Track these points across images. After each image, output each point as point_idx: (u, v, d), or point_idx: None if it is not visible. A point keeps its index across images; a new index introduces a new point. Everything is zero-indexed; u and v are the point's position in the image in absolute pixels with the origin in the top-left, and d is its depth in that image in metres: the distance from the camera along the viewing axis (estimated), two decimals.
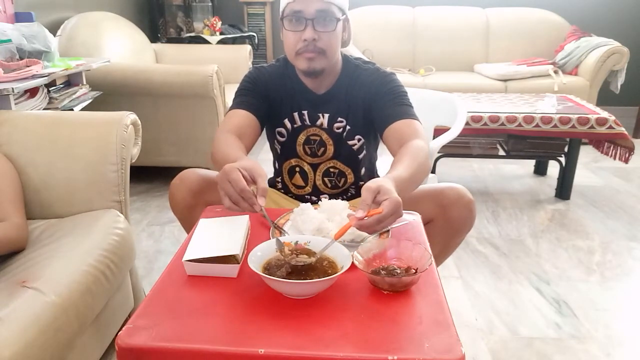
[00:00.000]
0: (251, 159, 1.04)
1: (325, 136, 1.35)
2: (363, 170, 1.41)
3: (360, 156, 1.37)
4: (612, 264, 2.02)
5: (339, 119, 1.33)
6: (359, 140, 1.35)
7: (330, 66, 1.27)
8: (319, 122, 1.33)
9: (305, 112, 1.33)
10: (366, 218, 0.87)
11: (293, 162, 1.40)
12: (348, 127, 1.33)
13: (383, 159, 1.63)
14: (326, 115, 1.33)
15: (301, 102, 1.33)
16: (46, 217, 1.40)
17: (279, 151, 1.41)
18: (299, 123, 1.34)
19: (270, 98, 1.33)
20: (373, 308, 0.82)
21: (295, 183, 1.42)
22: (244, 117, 1.28)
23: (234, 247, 0.92)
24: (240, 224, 1.04)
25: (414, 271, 0.88)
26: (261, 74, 1.34)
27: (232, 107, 1.31)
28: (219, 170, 1.20)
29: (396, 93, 1.28)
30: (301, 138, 1.36)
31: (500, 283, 1.86)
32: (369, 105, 1.30)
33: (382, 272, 0.88)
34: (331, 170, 1.39)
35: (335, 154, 1.37)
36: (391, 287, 0.86)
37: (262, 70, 1.35)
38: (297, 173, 1.41)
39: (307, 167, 1.39)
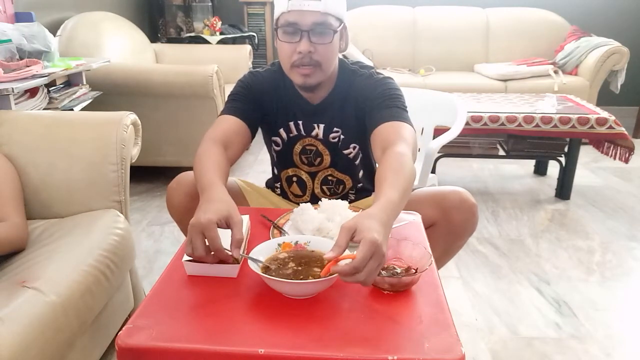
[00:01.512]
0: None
1: (321, 147, 1.32)
2: (361, 173, 1.39)
3: (357, 162, 1.35)
4: (612, 264, 2.01)
5: (335, 129, 1.29)
6: (354, 148, 1.32)
7: (326, 77, 1.23)
8: (314, 133, 1.30)
9: (300, 122, 1.30)
10: (342, 263, 0.79)
11: (290, 171, 1.37)
12: (342, 137, 1.30)
13: None
14: (321, 126, 1.29)
15: (296, 112, 1.29)
16: (46, 217, 1.40)
17: (275, 159, 1.39)
18: (295, 132, 1.31)
19: (265, 106, 1.29)
20: (373, 308, 0.82)
21: (293, 192, 1.41)
22: (233, 124, 1.22)
23: None
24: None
25: (414, 271, 0.88)
26: (256, 80, 1.30)
27: (222, 112, 1.26)
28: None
29: (386, 96, 1.21)
30: (297, 148, 1.33)
31: (500, 283, 1.86)
32: (362, 111, 1.25)
33: (382, 272, 0.88)
34: (329, 178, 1.37)
35: (332, 163, 1.34)
36: (391, 287, 0.86)
37: (257, 75, 1.31)
38: (295, 183, 1.39)
39: (305, 176, 1.37)
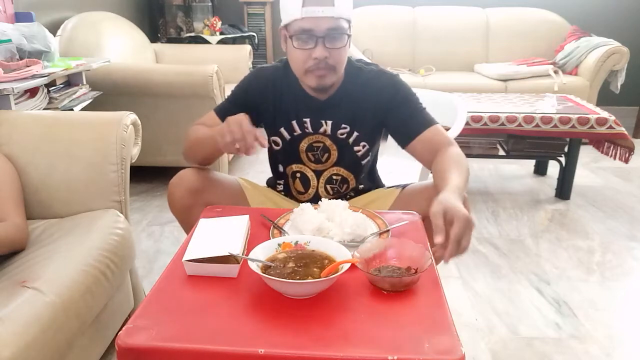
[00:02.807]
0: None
1: (329, 142, 1.32)
2: (364, 175, 1.40)
3: (364, 162, 1.36)
4: (612, 264, 2.01)
5: (343, 125, 1.30)
6: (364, 146, 1.33)
7: (338, 78, 1.25)
8: (322, 130, 1.31)
9: (307, 120, 1.30)
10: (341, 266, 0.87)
11: (295, 167, 1.38)
12: (356, 134, 1.31)
13: (383, 159, 1.63)
14: (329, 122, 1.30)
15: (303, 110, 1.30)
16: (46, 217, 1.40)
17: (278, 157, 1.39)
18: (298, 131, 1.32)
19: (264, 106, 1.31)
20: (373, 308, 0.82)
21: (296, 188, 1.41)
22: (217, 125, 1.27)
23: (234, 247, 0.93)
24: (240, 224, 1.04)
25: (414, 271, 0.88)
26: (257, 80, 1.32)
27: (215, 109, 1.32)
28: (193, 161, 1.31)
29: (412, 100, 1.30)
30: (303, 145, 1.33)
31: (500, 283, 1.86)
32: (384, 112, 1.28)
33: (382, 272, 0.88)
34: (334, 177, 1.37)
35: (338, 160, 1.34)
36: (391, 287, 0.86)
37: (260, 75, 1.32)
38: (298, 179, 1.39)
39: (310, 174, 1.37)
